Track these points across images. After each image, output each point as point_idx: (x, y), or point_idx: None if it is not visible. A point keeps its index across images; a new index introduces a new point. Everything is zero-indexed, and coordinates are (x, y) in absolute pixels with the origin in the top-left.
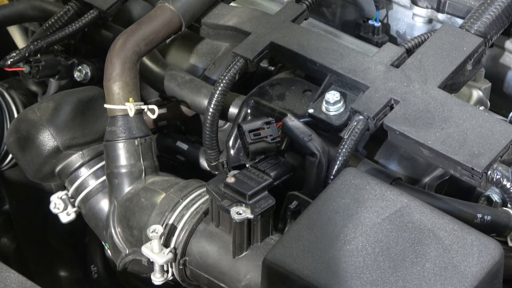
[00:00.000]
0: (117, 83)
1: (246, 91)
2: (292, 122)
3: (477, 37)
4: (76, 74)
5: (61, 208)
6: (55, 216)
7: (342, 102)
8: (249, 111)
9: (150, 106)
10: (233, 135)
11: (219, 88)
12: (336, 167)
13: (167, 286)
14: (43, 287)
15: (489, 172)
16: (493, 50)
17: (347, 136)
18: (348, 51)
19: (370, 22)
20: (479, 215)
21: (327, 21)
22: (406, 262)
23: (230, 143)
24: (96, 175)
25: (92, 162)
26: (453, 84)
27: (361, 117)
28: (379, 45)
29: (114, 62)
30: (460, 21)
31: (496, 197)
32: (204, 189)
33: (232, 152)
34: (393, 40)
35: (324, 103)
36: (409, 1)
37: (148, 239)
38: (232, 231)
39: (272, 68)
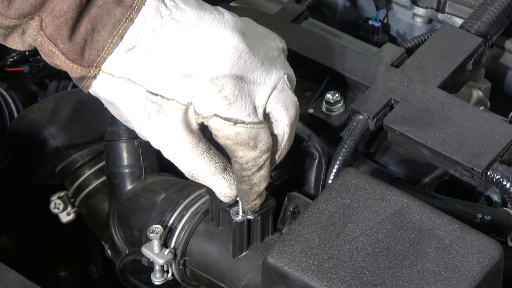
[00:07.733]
0: None
1: None
2: None
3: (477, 37)
4: None
5: (61, 208)
6: (55, 216)
7: (342, 102)
8: None
9: None
10: None
11: None
12: (336, 167)
13: (167, 286)
14: (43, 287)
15: (489, 172)
16: (493, 50)
17: (347, 136)
18: (348, 51)
19: (370, 22)
20: (479, 215)
21: (327, 21)
22: (406, 262)
23: None
24: (96, 175)
25: (92, 162)
26: (453, 84)
27: (361, 117)
28: (379, 45)
29: None
30: (460, 21)
31: (496, 197)
32: (204, 189)
33: None
34: (393, 40)
35: (324, 103)
36: (409, 1)
37: (148, 239)
38: (232, 231)
39: None
